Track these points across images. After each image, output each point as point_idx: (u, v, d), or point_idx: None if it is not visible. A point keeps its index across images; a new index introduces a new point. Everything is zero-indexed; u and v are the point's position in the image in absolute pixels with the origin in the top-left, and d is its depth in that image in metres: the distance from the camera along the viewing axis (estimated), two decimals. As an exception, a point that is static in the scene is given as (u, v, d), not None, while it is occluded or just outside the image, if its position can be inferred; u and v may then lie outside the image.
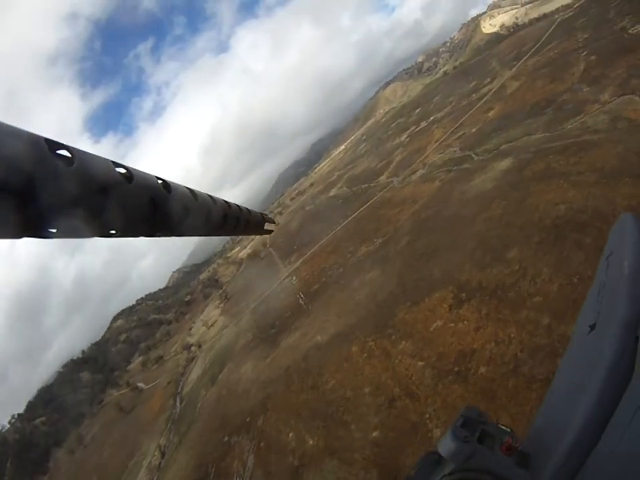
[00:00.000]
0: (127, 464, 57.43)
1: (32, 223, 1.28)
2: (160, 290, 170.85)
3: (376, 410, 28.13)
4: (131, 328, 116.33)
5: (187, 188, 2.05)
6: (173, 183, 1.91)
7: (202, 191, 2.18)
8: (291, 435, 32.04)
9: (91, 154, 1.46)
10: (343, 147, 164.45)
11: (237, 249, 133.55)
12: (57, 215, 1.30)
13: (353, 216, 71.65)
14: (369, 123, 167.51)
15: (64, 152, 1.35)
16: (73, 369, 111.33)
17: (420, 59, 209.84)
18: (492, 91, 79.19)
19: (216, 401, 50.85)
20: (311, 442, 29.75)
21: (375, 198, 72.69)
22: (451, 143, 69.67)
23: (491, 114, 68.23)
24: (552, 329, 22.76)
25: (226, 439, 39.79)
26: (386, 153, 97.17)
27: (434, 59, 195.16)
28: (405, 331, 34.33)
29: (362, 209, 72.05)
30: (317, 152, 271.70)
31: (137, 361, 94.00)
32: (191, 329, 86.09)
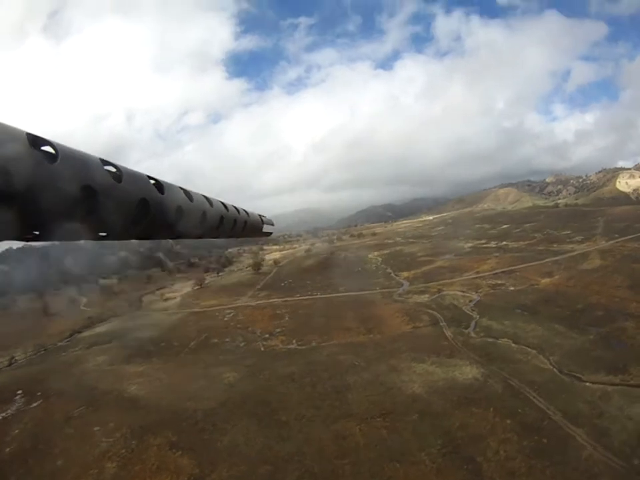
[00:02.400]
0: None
1: (12, 225, 1.11)
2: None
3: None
4: (141, 251, 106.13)
5: (181, 188, 1.84)
6: (166, 183, 1.71)
7: (197, 192, 1.94)
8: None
9: (77, 151, 1.30)
10: (431, 217, 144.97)
11: (279, 248, 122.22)
12: (38, 216, 1.14)
13: (336, 295, 57.23)
14: (466, 210, 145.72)
15: (48, 148, 1.20)
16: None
17: (548, 179, 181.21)
18: (570, 254, 57.51)
19: (63, 364, 41.83)
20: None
21: (367, 292, 57.14)
22: (481, 286, 50.95)
23: (543, 282, 47.98)
24: None
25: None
26: (439, 251, 79.47)
27: (559, 187, 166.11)
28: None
29: (347, 293, 57.10)
30: (412, 207, 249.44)
31: (108, 282, 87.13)
32: (160, 290, 78.22)
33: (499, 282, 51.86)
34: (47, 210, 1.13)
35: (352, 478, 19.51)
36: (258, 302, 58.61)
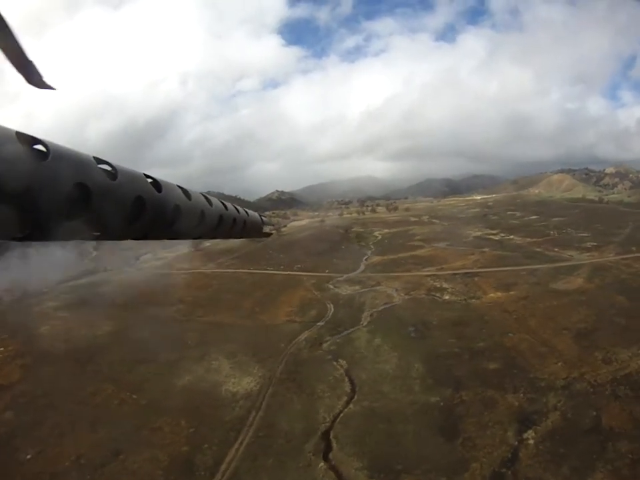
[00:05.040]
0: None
1: (1, 225, 1.01)
2: (236, 199, 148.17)
3: None
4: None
5: (179, 187, 1.68)
6: (163, 181, 1.56)
7: (195, 192, 1.79)
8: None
9: (69, 149, 1.19)
10: (478, 197, 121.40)
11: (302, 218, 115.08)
12: (28, 215, 1.04)
13: (283, 272, 51.68)
14: (513, 193, 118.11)
15: (39, 146, 1.11)
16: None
17: (607, 170, 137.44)
18: (561, 264, 41.45)
19: (27, 306, 44.15)
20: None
21: (314, 273, 50.17)
22: (421, 287, 40.09)
23: (488, 297, 35.27)
24: None
25: None
26: (441, 236, 66.69)
27: (616, 180, 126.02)
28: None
29: (294, 272, 51.01)
30: (469, 184, 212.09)
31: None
32: (164, 249, 79.14)
33: (445, 286, 40.21)
34: (37, 209, 1.02)
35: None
36: (214, 270, 55.66)
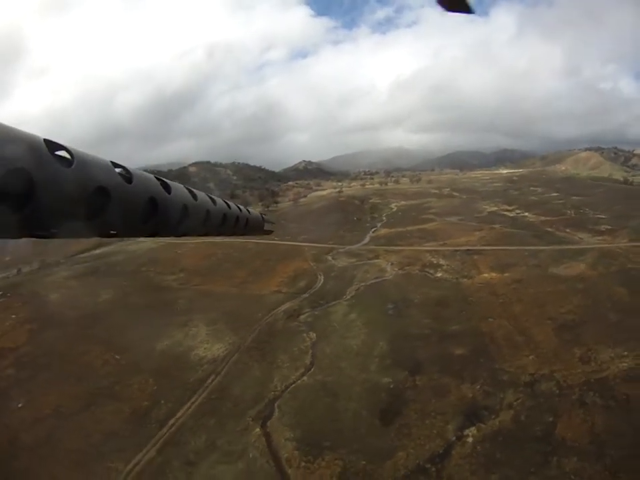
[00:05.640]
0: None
1: (32, 224, 1.11)
2: (261, 169, 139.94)
3: None
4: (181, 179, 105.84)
5: (186, 188, 1.78)
6: (172, 183, 1.66)
7: (201, 192, 1.88)
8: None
9: (90, 155, 1.28)
10: (504, 172, 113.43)
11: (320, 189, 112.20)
12: (56, 215, 1.14)
13: (287, 243, 51.69)
14: (538, 169, 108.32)
15: (63, 153, 1.18)
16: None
17: (636, 151, 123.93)
18: (567, 247, 38.33)
19: (44, 275, 47.92)
20: None
21: (316, 244, 49.84)
22: (417, 263, 38.82)
23: (481, 277, 33.63)
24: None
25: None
26: (456, 211, 63.43)
27: None
28: None
29: (298, 243, 50.85)
30: (498, 158, 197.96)
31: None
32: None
33: (441, 262, 38.66)
34: (64, 211, 1.11)
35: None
36: (224, 239, 56.04)
